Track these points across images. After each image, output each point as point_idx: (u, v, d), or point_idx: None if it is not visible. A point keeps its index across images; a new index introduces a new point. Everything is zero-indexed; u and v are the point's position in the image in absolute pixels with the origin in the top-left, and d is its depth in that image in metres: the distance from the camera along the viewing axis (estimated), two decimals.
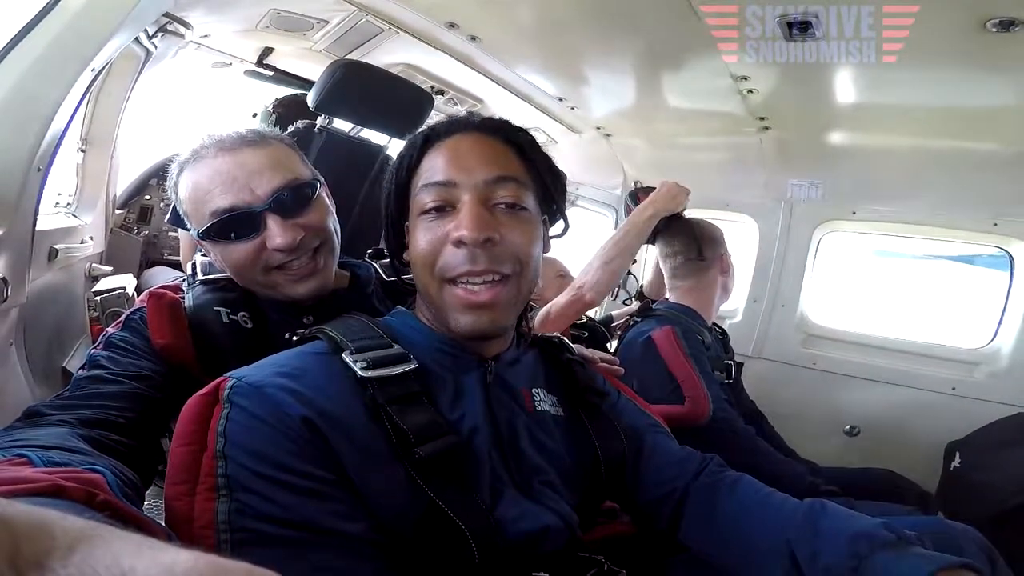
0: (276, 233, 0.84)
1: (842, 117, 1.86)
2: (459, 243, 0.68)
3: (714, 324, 1.72)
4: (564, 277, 2.18)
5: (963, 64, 1.40)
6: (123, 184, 2.66)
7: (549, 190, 0.78)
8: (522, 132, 0.79)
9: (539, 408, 0.77)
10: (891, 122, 1.82)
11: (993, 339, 2.04)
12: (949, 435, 1.86)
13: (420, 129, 0.80)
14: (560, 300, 1.53)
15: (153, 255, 2.84)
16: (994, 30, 1.20)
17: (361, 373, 0.64)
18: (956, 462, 1.76)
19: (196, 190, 0.86)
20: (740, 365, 1.76)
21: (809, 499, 0.74)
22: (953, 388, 2.02)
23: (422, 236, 0.71)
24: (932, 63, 1.44)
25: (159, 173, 2.79)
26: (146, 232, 2.82)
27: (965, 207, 2.00)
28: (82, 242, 1.93)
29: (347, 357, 0.66)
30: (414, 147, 0.76)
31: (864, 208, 2.19)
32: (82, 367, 0.80)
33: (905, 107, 1.70)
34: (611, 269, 1.51)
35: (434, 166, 0.73)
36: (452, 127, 0.76)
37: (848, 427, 2.19)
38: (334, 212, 0.96)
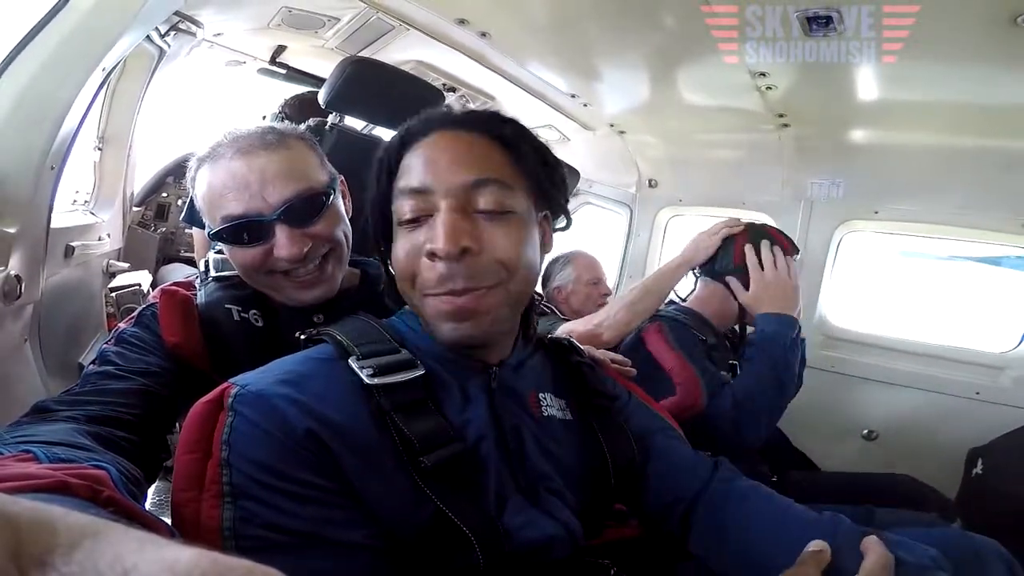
0: (283, 244, 0.84)
1: (865, 114, 1.81)
2: (432, 256, 0.64)
3: (735, 329, 1.69)
4: (597, 284, 2.16)
5: (992, 60, 1.35)
6: (141, 182, 2.70)
7: (543, 185, 0.72)
8: (508, 124, 0.71)
9: (546, 413, 0.75)
10: (916, 119, 1.76)
11: (1020, 343, 1.96)
12: (971, 441, 1.79)
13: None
14: (578, 328, 1.51)
15: (170, 252, 2.87)
16: None
17: (367, 380, 0.63)
18: (978, 468, 1.70)
19: (210, 191, 0.86)
20: None
21: (829, 512, 0.71)
22: (977, 393, 1.95)
23: (400, 247, 0.68)
24: (959, 58, 1.38)
25: (176, 171, 2.83)
26: (163, 229, 2.85)
27: (992, 207, 1.92)
28: (99, 239, 1.95)
29: (353, 363, 0.64)
30: (391, 149, 0.71)
31: (887, 207, 2.11)
32: (93, 362, 0.81)
33: (931, 103, 1.65)
34: (635, 311, 1.51)
35: (410, 171, 0.67)
36: (429, 124, 0.70)
37: (866, 431, 2.13)
38: (347, 215, 0.95)
